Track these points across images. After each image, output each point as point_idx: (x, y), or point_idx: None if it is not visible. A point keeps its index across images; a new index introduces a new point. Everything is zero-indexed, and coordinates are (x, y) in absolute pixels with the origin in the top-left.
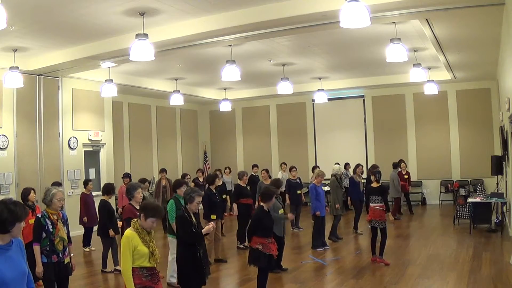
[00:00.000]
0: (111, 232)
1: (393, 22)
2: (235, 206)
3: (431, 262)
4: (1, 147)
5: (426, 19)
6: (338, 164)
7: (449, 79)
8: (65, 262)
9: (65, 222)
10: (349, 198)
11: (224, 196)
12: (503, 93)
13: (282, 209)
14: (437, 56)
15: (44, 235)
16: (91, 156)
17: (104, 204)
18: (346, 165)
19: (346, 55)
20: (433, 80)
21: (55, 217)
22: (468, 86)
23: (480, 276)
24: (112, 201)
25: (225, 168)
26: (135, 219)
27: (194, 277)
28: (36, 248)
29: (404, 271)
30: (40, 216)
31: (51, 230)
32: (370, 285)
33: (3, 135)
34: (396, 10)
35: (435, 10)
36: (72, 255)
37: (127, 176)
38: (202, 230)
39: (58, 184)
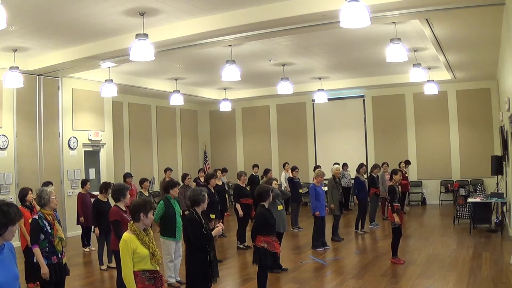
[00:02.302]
0: (96, 231)
1: (393, 22)
2: (238, 206)
3: (431, 262)
4: (1, 147)
5: (426, 19)
6: (338, 164)
7: (449, 79)
8: (64, 262)
9: (59, 222)
10: (355, 197)
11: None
12: (503, 93)
13: (281, 205)
14: (437, 56)
15: (42, 236)
16: (91, 156)
17: (94, 202)
18: (344, 166)
19: (346, 55)
20: (433, 80)
21: (51, 217)
22: (468, 86)
23: (480, 276)
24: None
25: (222, 170)
26: (131, 222)
27: (202, 280)
28: (37, 250)
29: (404, 271)
30: (37, 218)
31: (49, 231)
32: (370, 285)
33: (3, 135)
34: (396, 10)
35: (435, 10)
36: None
37: (130, 175)
38: (212, 232)
39: (49, 183)
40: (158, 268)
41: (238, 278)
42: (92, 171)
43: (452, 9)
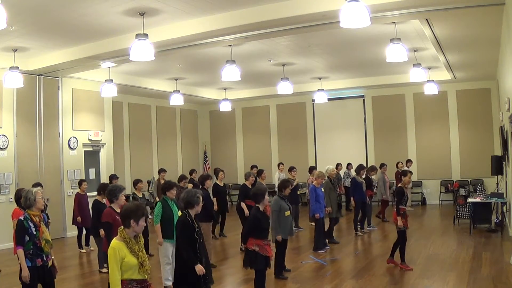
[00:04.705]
0: (101, 232)
1: (393, 22)
2: (244, 205)
3: (431, 262)
4: (1, 147)
5: (426, 19)
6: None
7: (449, 79)
8: (49, 265)
9: (46, 224)
10: (351, 198)
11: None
12: (503, 93)
13: (289, 211)
14: (437, 56)
15: (27, 238)
16: (91, 156)
17: (95, 204)
18: (348, 165)
19: (346, 55)
20: (433, 80)
21: (37, 219)
22: (468, 86)
23: (480, 276)
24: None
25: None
26: (122, 228)
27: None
28: (20, 252)
29: (404, 271)
30: (22, 219)
31: (34, 232)
32: (370, 285)
33: (3, 135)
34: (396, 10)
35: (435, 10)
36: (53, 257)
37: (116, 177)
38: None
39: (38, 184)
40: (146, 277)
41: (239, 278)
42: (92, 171)
43: (452, 9)
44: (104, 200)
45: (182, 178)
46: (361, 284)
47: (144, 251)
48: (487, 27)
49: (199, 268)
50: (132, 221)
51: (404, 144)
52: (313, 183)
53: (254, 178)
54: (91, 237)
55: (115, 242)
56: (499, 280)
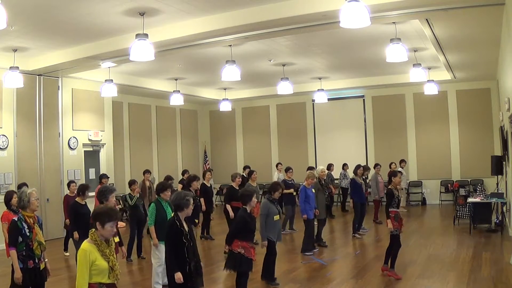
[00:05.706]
0: (75, 235)
1: (393, 22)
2: (229, 207)
3: (431, 262)
4: (1, 147)
5: (426, 19)
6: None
7: (449, 79)
8: (41, 268)
9: (41, 226)
10: (351, 199)
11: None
12: (503, 93)
13: (278, 216)
14: (437, 56)
15: (20, 239)
16: (91, 156)
17: (71, 205)
18: (344, 166)
19: (346, 55)
20: (433, 80)
21: (31, 220)
22: (468, 86)
23: (480, 276)
24: (90, 202)
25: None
26: (93, 230)
27: None
28: (13, 253)
29: (404, 271)
30: (16, 220)
31: (27, 234)
32: (370, 285)
33: (3, 135)
34: (396, 10)
35: (435, 10)
36: (46, 260)
37: (106, 176)
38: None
39: (24, 185)
40: (116, 282)
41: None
42: (92, 171)
43: (452, 9)
44: (84, 202)
45: (167, 179)
46: (361, 284)
47: (114, 255)
48: (487, 27)
49: (178, 277)
50: (98, 224)
51: (404, 144)
52: (304, 184)
53: (240, 179)
54: (70, 241)
55: (86, 244)
56: (499, 280)
